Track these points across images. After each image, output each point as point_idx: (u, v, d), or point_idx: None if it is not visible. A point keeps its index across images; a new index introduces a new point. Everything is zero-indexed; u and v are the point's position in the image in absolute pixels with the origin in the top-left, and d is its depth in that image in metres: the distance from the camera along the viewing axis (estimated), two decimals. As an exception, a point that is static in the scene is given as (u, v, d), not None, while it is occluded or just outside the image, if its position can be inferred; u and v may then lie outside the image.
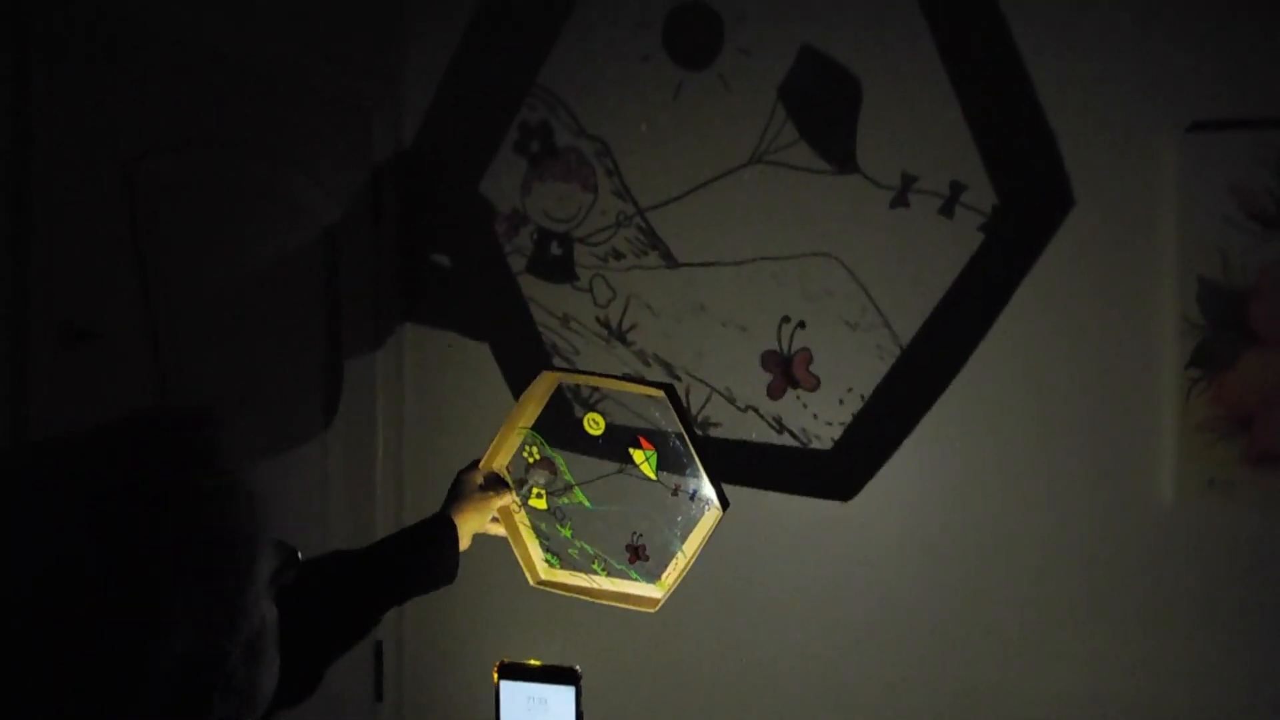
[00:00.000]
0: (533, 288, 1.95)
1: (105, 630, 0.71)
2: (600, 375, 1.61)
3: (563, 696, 1.22)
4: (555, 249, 1.94)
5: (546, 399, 1.62)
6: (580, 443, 1.70)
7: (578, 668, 1.21)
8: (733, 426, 1.88)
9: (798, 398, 1.86)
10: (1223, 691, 1.70)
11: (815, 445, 1.86)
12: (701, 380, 1.89)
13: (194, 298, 1.55)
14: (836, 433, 1.85)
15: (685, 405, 1.84)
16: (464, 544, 1.52)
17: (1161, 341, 1.72)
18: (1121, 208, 1.72)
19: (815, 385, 1.86)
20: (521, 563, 1.61)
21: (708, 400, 1.88)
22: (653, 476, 1.61)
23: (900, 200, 1.80)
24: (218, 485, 0.79)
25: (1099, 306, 1.74)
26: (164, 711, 0.74)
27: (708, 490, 1.56)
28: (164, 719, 0.74)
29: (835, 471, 1.85)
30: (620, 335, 1.92)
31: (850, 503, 1.84)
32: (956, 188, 1.78)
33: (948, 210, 1.79)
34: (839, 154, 1.82)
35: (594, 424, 1.66)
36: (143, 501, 0.75)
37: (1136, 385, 1.73)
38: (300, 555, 0.90)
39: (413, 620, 1.97)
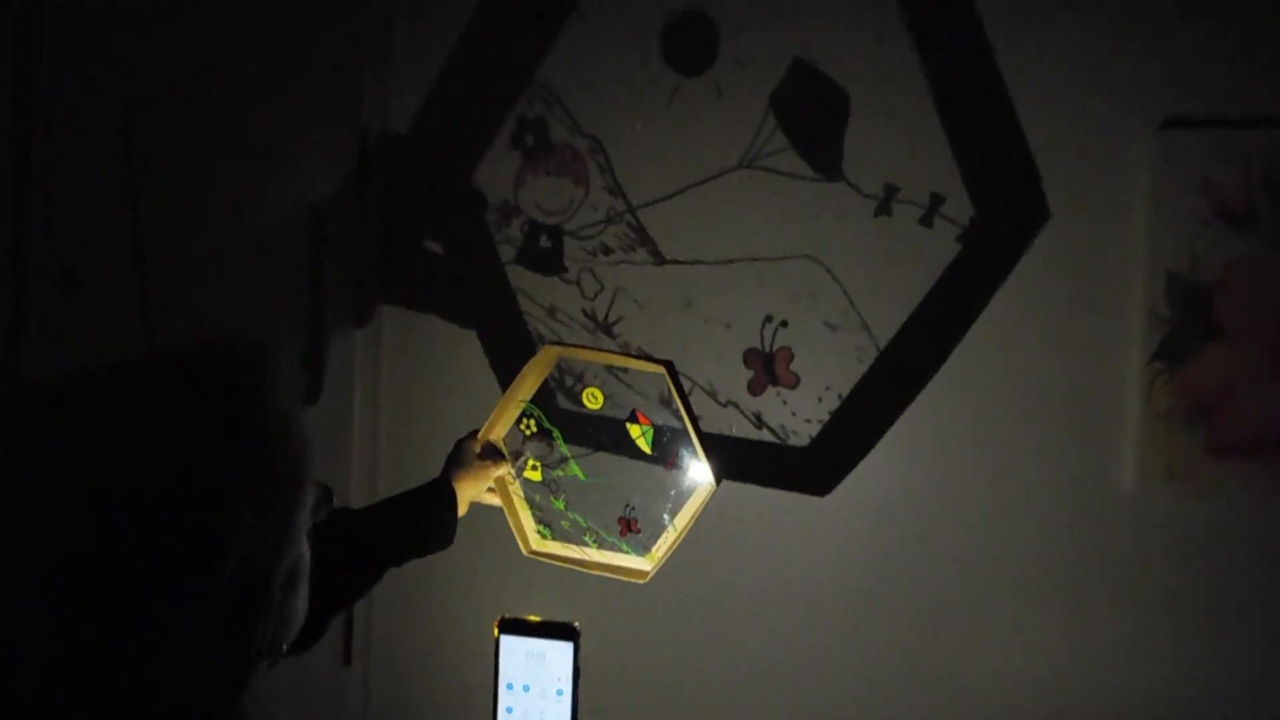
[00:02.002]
0: (521, 278, 1.98)
1: (169, 542, 0.75)
2: (601, 350, 1.65)
3: (561, 651, 1.24)
4: (545, 241, 1.97)
5: (546, 373, 1.65)
6: (578, 418, 1.73)
7: (577, 624, 1.21)
8: (714, 421, 1.92)
9: (778, 394, 1.91)
10: (1183, 674, 1.78)
11: (793, 442, 1.91)
12: (685, 375, 1.93)
13: (186, 253, 1.54)
14: (814, 430, 1.90)
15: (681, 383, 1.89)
16: (461, 511, 1.56)
17: (1129, 334, 1.81)
18: (1096, 205, 1.81)
19: (795, 383, 1.91)
20: (515, 532, 1.62)
21: (690, 394, 1.92)
22: (648, 451, 1.64)
23: (883, 209, 1.89)
24: (278, 417, 0.84)
25: (1071, 300, 1.83)
26: (216, 625, 0.79)
27: (701, 466, 1.60)
28: (215, 633, 0.79)
29: (812, 468, 1.90)
30: (606, 328, 1.95)
31: (826, 498, 1.89)
32: (936, 199, 1.87)
33: (927, 220, 1.88)
34: (826, 162, 1.90)
35: (593, 399, 1.69)
36: (216, 426, 0.80)
37: (1104, 377, 1.82)
38: (334, 495, 0.94)
39: (394, 586, 1.96)
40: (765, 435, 1.92)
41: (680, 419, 1.59)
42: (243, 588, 0.79)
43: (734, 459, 1.90)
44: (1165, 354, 1.79)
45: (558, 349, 1.63)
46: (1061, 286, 1.84)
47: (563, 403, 1.93)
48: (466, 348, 2.00)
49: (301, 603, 0.88)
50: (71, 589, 0.74)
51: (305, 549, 0.87)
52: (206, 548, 0.76)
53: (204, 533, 0.76)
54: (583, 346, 1.75)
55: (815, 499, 1.90)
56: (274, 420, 0.84)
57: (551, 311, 1.97)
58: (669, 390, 1.60)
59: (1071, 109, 1.82)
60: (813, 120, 1.91)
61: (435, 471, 1.62)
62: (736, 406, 1.92)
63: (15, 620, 0.76)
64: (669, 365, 1.57)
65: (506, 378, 1.91)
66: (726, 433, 1.92)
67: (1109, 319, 1.83)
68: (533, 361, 1.60)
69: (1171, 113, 1.79)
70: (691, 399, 1.91)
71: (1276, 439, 1.76)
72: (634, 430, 1.63)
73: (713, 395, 1.93)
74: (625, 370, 1.90)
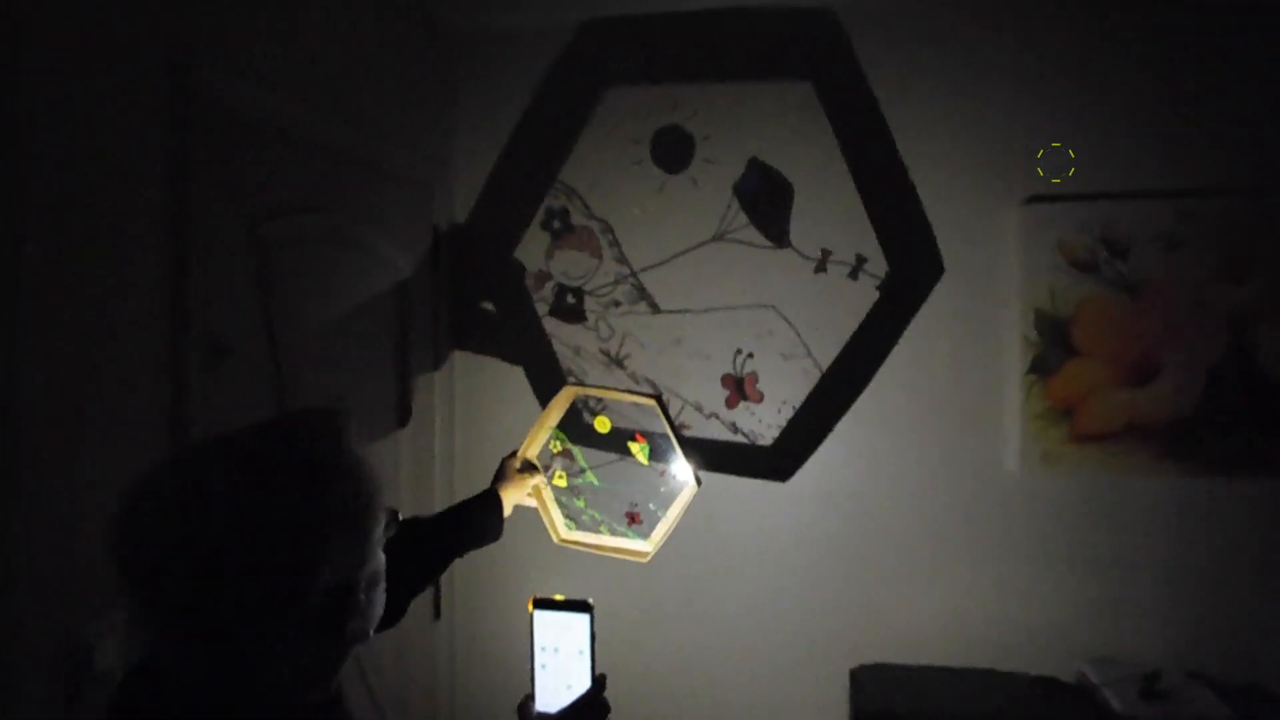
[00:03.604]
0: (553, 327, 2.64)
1: (278, 566, 0.96)
2: (607, 388, 2.28)
3: (580, 622, 1.41)
4: (570, 299, 2.63)
5: (567, 406, 2.27)
6: (592, 438, 2.37)
7: (591, 600, 1.42)
8: (700, 428, 2.57)
9: (747, 408, 2.55)
10: (1050, 608, 2.41)
11: (760, 442, 2.55)
12: (677, 395, 2.58)
13: (303, 327, 1.98)
14: (775, 433, 2.54)
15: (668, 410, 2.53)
16: (506, 512, 1.98)
17: (1009, 355, 2.41)
18: (980, 261, 2.42)
19: (760, 399, 2.55)
20: (547, 526, 2.17)
21: (681, 409, 2.57)
22: (645, 463, 2.29)
23: (821, 268, 2.50)
24: (357, 460, 1.05)
25: (965, 333, 2.44)
26: (313, 627, 1.00)
27: (685, 472, 2.20)
28: (312, 633, 1.00)
29: (775, 461, 2.54)
30: (618, 362, 2.60)
31: (786, 483, 2.54)
32: (860, 259, 2.48)
33: (854, 275, 2.49)
34: (777, 234, 2.52)
35: (602, 425, 2.34)
36: (309, 472, 1.00)
37: (991, 387, 2.43)
38: (400, 516, 1.18)
39: (465, 568, 2.64)
40: (739, 438, 2.56)
41: (669, 438, 2.22)
42: (336, 592, 1.00)
43: (716, 456, 2.55)
44: (1037, 368, 2.38)
45: (576, 388, 2.24)
46: (957, 320, 2.45)
47: (588, 418, 2.59)
48: (515, 379, 2.67)
49: (380, 604, 1.08)
50: (210, 597, 0.93)
51: (381, 559, 1.08)
52: (303, 565, 0.97)
53: (301, 554, 0.97)
54: (593, 385, 2.39)
55: (779, 484, 2.55)
56: (347, 469, 1.03)
57: (577, 351, 2.63)
58: (659, 416, 2.24)
59: (959, 188, 2.42)
60: (766, 203, 2.52)
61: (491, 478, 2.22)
62: (717, 417, 2.57)
63: (167, 617, 0.95)
64: (658, 398, 2.18)
65: (545, 401, 2.56)
66: (710, 437, 2.57)
67: (995, 344, 2.43)
68: (557, 397, 2.18)
69: (1034, 190, 2.39)
70: (682, 413, 2.57)
71: (1119, 431, 2.36)
72: (634, 447, 2.28)
73: (699, 409, 2.58)
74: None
